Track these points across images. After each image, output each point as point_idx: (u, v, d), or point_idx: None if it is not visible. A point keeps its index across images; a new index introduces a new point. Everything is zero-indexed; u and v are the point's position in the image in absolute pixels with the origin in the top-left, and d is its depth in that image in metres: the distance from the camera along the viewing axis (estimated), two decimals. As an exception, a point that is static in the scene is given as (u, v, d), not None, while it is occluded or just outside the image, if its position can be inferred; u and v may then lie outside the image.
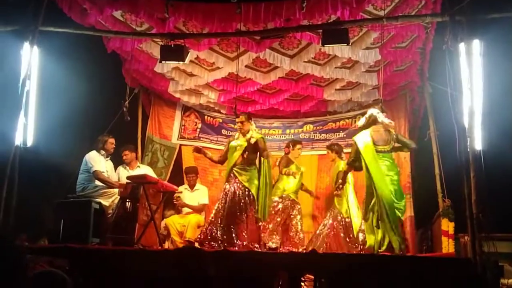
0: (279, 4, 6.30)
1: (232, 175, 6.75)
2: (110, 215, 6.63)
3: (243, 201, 6.53)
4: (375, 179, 6.00)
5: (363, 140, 6.23)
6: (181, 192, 7.94)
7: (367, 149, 6.15)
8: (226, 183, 6.76)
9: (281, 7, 6.28)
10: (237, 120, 7.04)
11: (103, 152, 6.99)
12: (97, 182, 6.76)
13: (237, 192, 6.57)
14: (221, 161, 7.24)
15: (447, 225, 7.02)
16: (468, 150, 5.15)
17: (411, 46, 7.07)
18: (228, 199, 6.57)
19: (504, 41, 6.25)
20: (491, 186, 5.21)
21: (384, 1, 6.23)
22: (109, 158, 7.11)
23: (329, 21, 6.49)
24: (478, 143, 5.25)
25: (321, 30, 6.38)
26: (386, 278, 4.97)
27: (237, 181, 6.66)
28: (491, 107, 5.46)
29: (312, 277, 5.32)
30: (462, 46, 5.49)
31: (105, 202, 6.69)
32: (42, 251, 6.22)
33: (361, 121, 6.40)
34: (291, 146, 7.93)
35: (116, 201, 6.65)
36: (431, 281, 4.93)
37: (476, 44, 5.51)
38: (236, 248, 6.22)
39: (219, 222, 6.51)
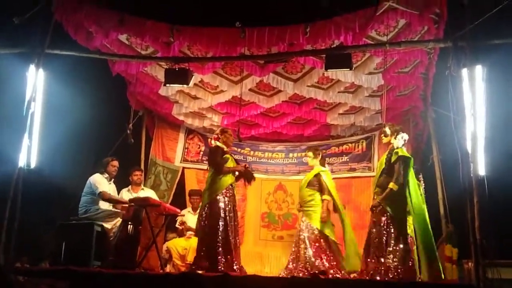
0: (282, 29, 6.36)
1: None
2: (112, 238, 6.60)
3: None
4: (414, 200, 5.92)
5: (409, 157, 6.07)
6: (183, 215, 7.92)
7: (413, 175, 6.05)
8: None
9: (284, 32, 6.33)
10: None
11: (106, 174, 6.99)
12: (100, 205, 6.74)
13: None
14: None
15: (450, 251, 6.95)
16: (471, 175, 5.13)
17: (414, 71, 7.10)
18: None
19: (507, 67, 6.30)
20: (494, 212, 5.19)
21: (387, 26, 6.28)
22: (112, 181, 7.11)
23: (332, 46, 6.54)
24: (481, 168, 5.25)
25: (324, 55, 6.43)
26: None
27: None
28: (494, 132, 5.46)
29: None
30: (464, 72, 5.52)
31: (107, 225, 6.66)
32: (43, 274, 6.21)
33: (400, 142, 6.16)
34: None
35: (118, 224, 6.63)
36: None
37: (479, 70, 5.54)
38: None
39: None
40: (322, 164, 7.31)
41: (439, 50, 6.47)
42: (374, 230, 6.17)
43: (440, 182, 7.49)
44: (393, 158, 6.05)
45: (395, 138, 6.20)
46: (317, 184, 7.08)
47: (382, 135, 6.42)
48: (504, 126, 6.36)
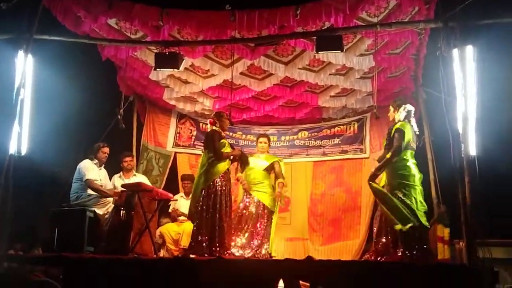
0: (273, 11, 6.31)
1: None
2: (104, 224, 6.60)
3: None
4: (417, 180, 5.84)
5: (408, 131, 5.95)
6: (176, 200, 7.92)
7: (412, 142, 5.97)
8: None
9: (275, 15, 6.29)
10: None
11: (96, 160, 6.97)
12: (91, 191, 6.74)
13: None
14: None
15: (442, 231, 7.02)
16: (463, 155, 5.15)
17: (405, 52, 7.09)
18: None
19: (497, 47, 6.30)
20: (485, 192, 5.22)
21: (378, 8, 6.25)
22: (102, 166, 7.09)
23: (323, 28, 6.51)
24: (472, 148, 5.25)
25: (315, 37, 6.39)
26: (382, 284, 4.96)
27: None
28: (485, 112, 5.46)
29: (308, 284, 5.30)
30: (455, 52, 5.50)
31: (100, 210, 6.67)
32: (36, 260, 6.20)
33: (402, 115, 6.06)
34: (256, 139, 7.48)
35: (111, 209, 6.62)
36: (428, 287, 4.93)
37: (469, 50, 5.52)
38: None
39: None
40: None
41: (429, 30, 6.47)
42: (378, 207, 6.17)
43: (431, 163, 7.53)
44: (392, 132, 6.03)
45: (398, 112, 6.16)
46: (272, 170, 7.24)
47: (389, 113, 6.37)
48: (494, 106, 6.37)
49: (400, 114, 6.08)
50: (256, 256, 6.61)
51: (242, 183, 7.12)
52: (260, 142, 7.37)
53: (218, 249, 6.11)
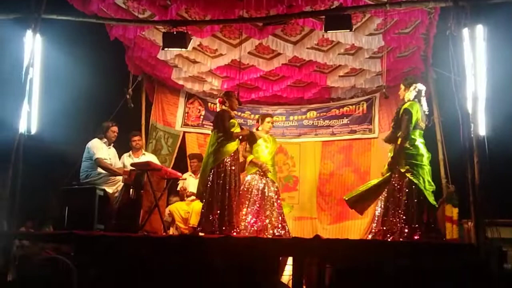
0: (281, -10, 6.28)
1: None
2: (114, 202, 6.66)
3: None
4: (425, 160, 5.83)
5: (416, 111, 5.92)
6: (185, 179, 7.96)
7: (421, 122, 5.96)
8: None
9: (283, -7, 6.25)
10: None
11: (105, 139, 7.00)
12: (100, 170, 6.79)
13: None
14: None
15: (451, 211, 7.02)
16: (472, 136, 5.12)
17: (414, 31, 7.03)
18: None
19: (507, 26, 6.23)
20: (494, 172, 5.20)
21: (388, -14, 6.19)
22: (112, 145, 7.13)
23: (331, 7, 6.46)
24: (481, 128, 5.22)
25: (323, 16, 6.34)
26: (390, 263, 4.99)
27: None
28: (495, 92, 5.42)
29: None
30: (465, 32, 5.44)
31: (109, 189, 6.72)
32: (47, 238, 6.29)
33: (412, 94, 6.02)
34: (260, 120, 7.28)
35: (120, 188, 6.68)
36: (436, 267, 4.95)
37: (480, 29, 5.46)
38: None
39: None
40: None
41: (439, 10, 6.40)
42: (389, 187, 6.17)
43: (440, 143, 7.51)
44: (400, 112, 6.00)
45: (408, 91, 6.12)
46: None
47: (399, 91, 6.33)
48: (504, 86, 6.33)
49: (411, 93, 6.04)
50: (287, 235, 6.70)
51: (263, 167, 6.86)
52: (268, 122, 7.26)
53: (228, 227, 6.16)
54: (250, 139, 6.82)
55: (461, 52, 5.45)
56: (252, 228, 6.58)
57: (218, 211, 6.20)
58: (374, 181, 6.25)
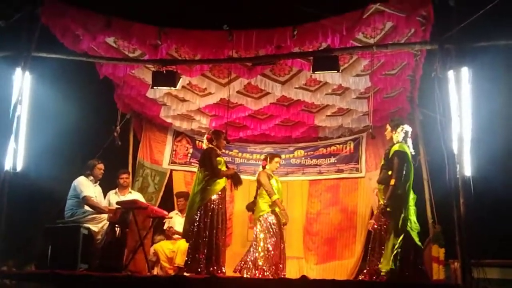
0: (270, 31, 6.37)
1: None
2: (99, 241, 6.57)
3: None
4: (411, 200, 5.87)
5: (408, 152, 6.01)
6: (171, 218, 7.89)
7: (410, 162, 5.99)
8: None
9: (272, 35, 6.35)
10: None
11: (91, 177, 6.96)
12: (86, 208, 6.72)
13: None
14: None
15: (437, 251, 7.00)
16: (458, 176, 5.17)
17: (401, 73, 7.13)
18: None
19: (492, 69, 6.36)
20: (480, 212, 5.23)
21: (374, 29, 6.31)
22: (97, 183, 7.08)
23: (319, 49, 6.55)
24: (467, 169, 5.28)
25: (311, 57, 6.44)
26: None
27: None
28: (480, 133, 5.50)
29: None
30: (451, 74, 5.57)
31: (94, 227, 6.63)
32: (29, 277, 6.16)
33: (400, 136, 6.10)
34: (268, 159, 7.53)
35: (105, 226, 6.60)
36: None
37: (465, 72, 5.58)
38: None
39: None
40: None
41: (425, 52, 6.51)
42: (376, 227, 6.19)
43: (427, 183, 7.53)
44: (390, 154, 6.04)
45: (395, 132, 6.19)
46: None
47: (385, 132, 6.40)
48: (489, 127, 6.41)
49: (399, 135, 6.11)
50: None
51: (283, 210, 7.23)
52: (277, 162, 7.49)
53: (215, 267, 6.09)
54: (234, 179, 6.78)
55: (446, 94, 5.55)
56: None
57: (205, 251, 6.14)
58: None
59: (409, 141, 6.19)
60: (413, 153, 6.20)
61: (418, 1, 5.79)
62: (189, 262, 6.20)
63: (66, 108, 8.45)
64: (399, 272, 5.58)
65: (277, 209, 7.13)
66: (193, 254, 6.19)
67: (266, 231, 7.01)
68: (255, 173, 9.40)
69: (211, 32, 6.56)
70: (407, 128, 6.17)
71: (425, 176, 7.58)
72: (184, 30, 6.61)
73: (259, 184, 7.29)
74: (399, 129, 6.12)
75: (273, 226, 7.04)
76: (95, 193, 6.92)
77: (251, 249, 7.08)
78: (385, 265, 5.68)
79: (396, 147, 6.01)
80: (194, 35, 6.57)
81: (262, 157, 9.42)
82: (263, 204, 7.15)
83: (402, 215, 5.70)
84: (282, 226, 7.20)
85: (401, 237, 5.65)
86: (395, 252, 5.60)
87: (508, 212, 7.98)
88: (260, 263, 6.80)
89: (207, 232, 6.23)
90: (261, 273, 6.70)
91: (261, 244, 6.94)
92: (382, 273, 5.72)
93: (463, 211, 5.03)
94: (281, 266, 6.98)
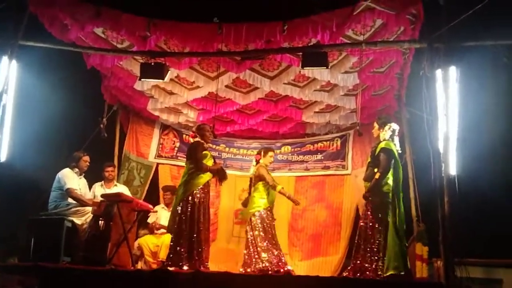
0: (260, 26, 6.35)
1: None
2: (82, 234, 6.52)
3: None
4: (397, 195, 5.91)
5: (395, 149, 6.10)
6: (156, 212, 7.86)
7: (397, 159, 6.06)
8: None
9: (262, 29, 6.33)
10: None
11: (76, 169, 6.91)
12: (70, 200, 6.67)
13: None
14: None
15: (421, 250, 7.04)
16: (443, 175, 5.20)
17: (389, 71, 7.16)
18: None
19: (479, 69, 6.41)
20: (464, 211, 5.26)
21: (364, 26, 6.31)
22: (83, 175, 7.03)
23: (309, 44, 6.56)
24: (452, 168, 5.31)
25: (301, 53, 6.43)
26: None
27: None
28: (466, 133, 5.54)
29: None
30: (438, 73, 5.58)
31: (78, 220, 6.59)
32: (12, 270, 6.11)
33: (388, 134, 6.24)
34: (262, 153, 7.52)
35: (89, 219, 6.55)
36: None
37: (453, 71, 5.60)
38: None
39: None
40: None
41: (414, 50, 6.53)
42: (361, 224, 6.23)
43: (412, 182, 7.57)
44: (377, 151, 6.11)
45: (383, 130, 6.24)
46: None
47: (373, 130, 6.45)
48: (475, 127, 6.46)
49: (386, 133, 6.17)
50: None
51: (292, 197, 7.42)
52: (271, 156, 7.50)
53: (197, 261, 6.07)
54: (220, 174, 6.75)
55: (434, 93, 5.58)
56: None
57: (188, 245, 6.12)
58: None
59: (396, 139, 6.25)
60: (400, 151, 6.24)
61: (408, 0, 5.80)
62: (171, 256, 6.18)
63: (53, 98, 8.38)
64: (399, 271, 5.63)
65: (270, 199, 7.20)
66: (175, 248, 6.17)
67: (260, 227, 7.01)
68: (242, 168, 9.45)
69: (201, 24, 6.52)
70: (394, 126, 6.22)
71: (410, 174, 7.61)
72: (174, 22, 6.56)
73: (258, 179, 7.24)
74: (386, 127, 6.19)
75: (266, 221, 7.04)
76: (79, 185, 6.87)
77: (249, 245, 7.00)
78: (392, 266, 5.69)
79: (382, 145, 6.06)
80: (183, 27, 6.53)
81: (249, 152, 9.50)
82: (258, 200, 7.14)
83: (398, 214, 5.77)
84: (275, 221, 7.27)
85: (401, 236, 5.72)
86: (401, 252, 5.68)
87: (492, 211, 8.06)
88: (261, 257, 6.80)
89: (188, 226, 6.20)
90: (264, 267, 6.70)
91: (256, 239, 6.94)
92: (386, 274, 5.71)
93: (447, 210, 5.06)
94: (283, 259, 6.96)
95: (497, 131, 7.71)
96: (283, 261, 6.87)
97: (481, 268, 7.70)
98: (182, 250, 6.10)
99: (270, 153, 7.49)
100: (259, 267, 6.67)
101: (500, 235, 8.04)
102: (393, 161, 6.02)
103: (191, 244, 6.14)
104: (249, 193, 7.39)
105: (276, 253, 6.88)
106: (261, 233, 6.94)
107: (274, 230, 7.13)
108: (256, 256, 6.81)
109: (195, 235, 6.19)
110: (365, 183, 6.33)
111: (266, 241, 6.91)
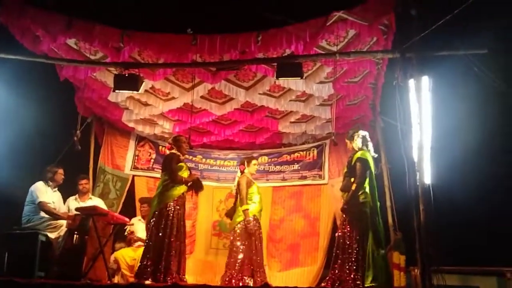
0: (234, 36, 6.35)
1: None
2: (57, 248, 6.41)
3: None
4: (374, 204, 5.94)
5: (370, 159, 6.17)
6: (132, 224, 7.77)
7: (372, 169, 6.11)
8: None
9: (236, 40, 6.33)
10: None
11: (50, 183, 6.81)
12: (43, 214, 6.57)
13: None
14: None
15: (398, 258, 7.06)
16: (418, 183, 5.23)
17: (363, 81, 7.21)
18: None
19: (452, 78, 6.49)
20: (440, 219, 5.30)
21: (337, 37, 6.36)
22: (56, 189, 6.92)
23: (283, 55, 6.57)
24: (427, 176, 5.35)
25: (275, 63, 6.45)
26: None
27: None
28: (440, 141, 5.59)
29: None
30: (411, 82, 5.64)
31: (52, 234, 6.49)
32: (-17, 286, 5.96)
33: (359, 142, 6.35)
34: (246, 162, 7.61)
35: (63, 233, 6.45)
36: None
37: (425, 80, 5.66)
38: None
39: None
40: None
41: (387, 60, 6.60)
42: (339, 233, 6.26)
43: (388, 190, 7.62)
44: (353, 161, 6.17)
45: (353, 141, 6.33)
46: None
47: (347, 145, 6.60)
48: (449, 136, 6.53)
49: (357, 142, 6.23)
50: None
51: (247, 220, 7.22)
52: (255, 165, 7.61)
53: (164, 275, 5.97)
54: (196, 185, 6.71)
55: (407, 102, 5.63)
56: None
57: (155, 257, 6.03)
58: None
59: (370, 144, 6.34)
60: (375, 156, 6.30)
61: (381, 10, 5.86)
62: (138, 269, 6.09)
63: (25, 111, 8.24)
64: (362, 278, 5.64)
65: (256, 209, 7.26)
66: (142, 260, 6.09)
67: (244, 238, 7.03)
68: (219, 179, 9.42)
69: (175, 35, 6.49)
70: (362, 132, 6.35)
71: (386, 183, 7.66)
72: (148, 33, 6.52)
73: (239, 189, 7.30)
74: (355, 137, 6.33)
75: (251, 232, 7.04)
76: (53, 198, 6.77)
77: (232, 255, 7.02)
78: (371, 276, 5.71)
79: (358, 154, 6.12)
80: (157, 38, 6.50)
81: (226, 163, 9.48)
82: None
83: (376, 223, 5.80)
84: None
85: (381, 246, 5.76)
86: (380, 261, 5.71)
87: (467, 219, 8.14)
88: (239, 269, 6.84)
89: (158, 238, 6.12)
90: (242, 280, 6.74)
91: (239, 250, 6.97)
92: (366, 285, 5.74)
93: (423, 218, 5.09)
94: (260, 271, 6.99)
95: (470, 139, 7.80)
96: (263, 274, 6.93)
97: (457, 276, 7.77)
98: (149, 263, 6.01)
99: (254, 162, 7.59)
100: (239, 279, 6.66)
101: (475, 243, 8.13)
102: (368, 171, 6.08)
103: (160, 257, 6.05)
104: (234, 204, 7.38)
105: (262, 270, 6.98)
106: (243, 246, 6.97)
107: (258, 241, 7.13)
108: (238, 268, 6.81)
109: (165, 248, 6.09)
110: (342, 194, 6.36)
111: (249, 252, 6.94)
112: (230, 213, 7.45)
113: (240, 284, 6.67)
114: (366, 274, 5.75)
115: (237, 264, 6.85)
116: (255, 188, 7.37)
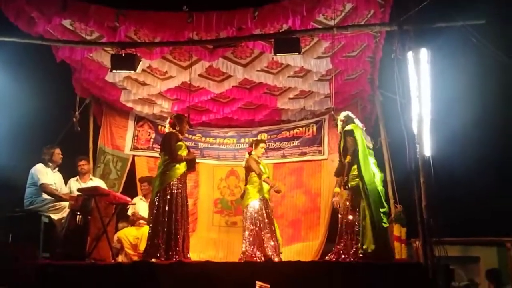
0: (231, 13, 6.31)
1: None
2: (60, 229, 6.45)
3: None
4: (366, 179, 5.92)
5: (359, 132, 6.15)
6: (134, 204, 7.81)
7: (362, 141, 6.09)
8: None
9: (233, 16, 6.29)
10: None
11: (50, 164, 6.81)
12: (45, 196, 6.58)
13: None
14: None
15: (399, 231, 7.13)
16: (418, 156, 5.24)
17: (361, 55, 7.18)
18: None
19: (450, 49, 6.46)
20: (440, 191, 5.32)
21: (334, 11, 6.32)
22: (57, 169, 6.93)
23: (280, 30, 6.53)
24: (427, 149, 5.35)
25: (273, 39, 6.41)
26: (341, 284, 5.01)
27: None
28: (439, 113, 5.59)
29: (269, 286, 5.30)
30: (410, 55, 5.61)
31: (55, 216, 6.51)
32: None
33: (341, 126, 6.38)
34: (254, 145, 7.65)
35: (66, 214, 6.48)
36: (385, 286, 5.00)
37: (424, 53, 5.63)
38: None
39: None
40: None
41: (385, 33, 6.58)
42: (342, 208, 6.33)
43: (388, 164, 7.65)
44: (341, 140, 6.20)
45: (339, 126, 6.43)
46: None
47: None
48: (448, 108, 6.54)
49: (340, 126, 6.35)
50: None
51: (276, 187, 7.44)
52: (262, 148, 7.65)
53: (174, 252, 6.04)
54: (190, 164, 6.69)
55: (406, 75, 5.60)
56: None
57: (165, 236, 6.09)
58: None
59: (356, 120, 6.36)
60: (364, 128, 6.34)
61: (377, -18, 5.82)
62: (148, 248, 6.14)
63: (23, 93, 8.21)
64: (377, 251, 5.69)
65: (265, 190, 7.33)
66: (153, 239, 6.13)
67: (255, 217, 7.15)
68: (219, 157, 9.44)
69: (171, 13, 6.46)
70: (343, 114, 6.43)
71: (386, 156, 7.68)
72: (143, 12, 6.48)
73: (249, 170, 7.42)
74: (338, 122, 6.41)
75: (260, 212, 7.18)
76: (54, 179, 6.78)
77: (244, 233, 7.20)
78: (368, 244, 5.76)
79: (346, 128, 6.19)
80: (153, 17, 6.46)
81: (226, 141, 9.50)
82: (253, 191, 7.28)
83: (377, 193, 5.84)
84: (270, 211, 7.38)
85: (382, 216, 5.79)
86: (376, 231, 5.73)
87: (467, 191, 8.19)
88: (251, 249, 7.01)
89: (165, 218, 6.16)
90: (254, 258, 6.92)
91: (250, 230, 7.12)
92: (360, 253, 5.80)
93: (423, 190, 5.11)
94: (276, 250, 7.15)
95: (469, 111, 7.81)
96: (277, 251, 7.09)
97: (458, 247, 7.85)
98: (160, 242, 6.07)
99: (262, 145, 7.65)
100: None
101: (475, 215, 8.19)
102: (359, 141, 6.07)
103: (169, 236, 6.11)
104: (245, 185, 7.50)
105: (272, 244, 7.07)
106: (251, 225, 7.12)
107: (270, 219, 7.25)
108: (250, 247, 7.01)
109: (172, 227, 6.15)
110: (337, 179, 6.44)
111: (261, 232, 7.09)
112: (243, 195, 7.59)
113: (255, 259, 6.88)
114: (368, 246, 5.78)
115: (249, 241, 7.06)
116: (261, 167, 7.44)
